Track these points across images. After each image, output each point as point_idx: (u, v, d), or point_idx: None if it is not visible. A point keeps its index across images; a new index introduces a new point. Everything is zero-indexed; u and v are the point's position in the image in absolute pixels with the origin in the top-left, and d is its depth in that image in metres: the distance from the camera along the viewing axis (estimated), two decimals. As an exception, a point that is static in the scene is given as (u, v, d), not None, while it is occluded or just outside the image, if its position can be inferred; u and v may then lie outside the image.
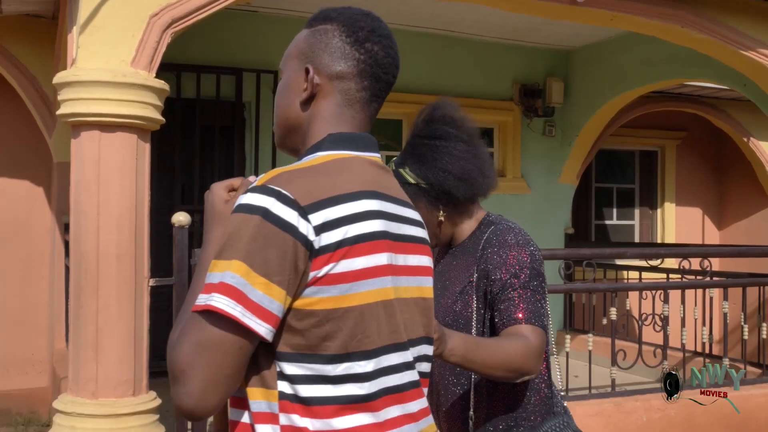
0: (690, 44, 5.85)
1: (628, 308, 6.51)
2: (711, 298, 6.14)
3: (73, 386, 4.12)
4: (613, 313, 5.34)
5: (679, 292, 5.71)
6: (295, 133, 1.47)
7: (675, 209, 10.56)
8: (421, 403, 1.42)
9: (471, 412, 2.08)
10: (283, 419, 1.26)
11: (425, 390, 1.47)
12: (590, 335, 5.49)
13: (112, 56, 4.04)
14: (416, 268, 1.45)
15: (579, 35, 8.22)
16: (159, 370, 6.09)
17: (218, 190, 1.45)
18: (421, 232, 1.50)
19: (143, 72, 4.09)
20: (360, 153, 1.41)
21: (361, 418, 1.29)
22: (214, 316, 1.22)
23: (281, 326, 1.26)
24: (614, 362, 5.32)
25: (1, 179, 6.96)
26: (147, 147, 4.21)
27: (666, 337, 5.57)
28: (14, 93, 6.54)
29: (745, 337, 5.95)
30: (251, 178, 1.42)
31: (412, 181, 2.12)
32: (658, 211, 10.60)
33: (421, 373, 1.44)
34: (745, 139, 9.92)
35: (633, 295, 7.02)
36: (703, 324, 6.08)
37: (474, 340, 1.92)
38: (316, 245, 1.25)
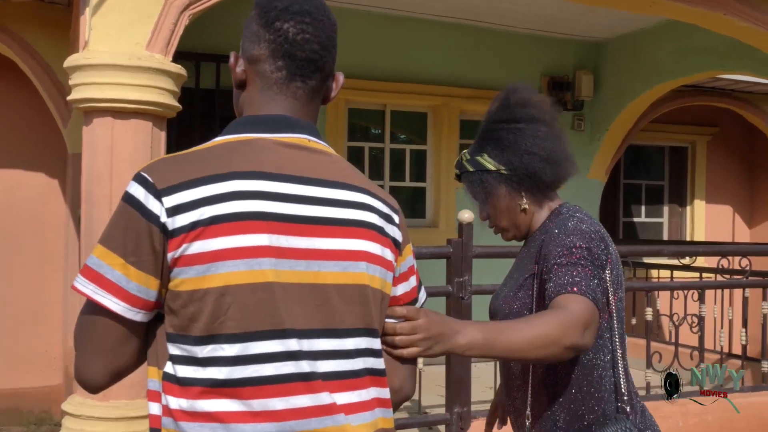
0: (731, 33, 5.57)
1: (657, 308, 6.22)
2: (746, 299, 5.88)
3: (84, 386, 3.92)
4: (649, 313, 5.10)
5: (713, 291, 5.45)
6: None
7: (705, 207, 10.26)
8: (321, 399, 1.33)
9: (528, 411, 2.00)
10: (163, 399, 1.30)
11: (368, 389, 1.39)
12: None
13: (126, 39, 3.84)
14: (336, 252, 1.37)
15: (610, 26, 7.96)
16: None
17: None
18: (355, 215, 1.41)
19: (159, 56, 3.88)
20: (264, 134, 1.39)
21: (226, 404, 1.27)
22: (81, 296, 1.32)
23: (168, 307, 1.31)
24: (649, 364, 5.07)
25: (15, 171, 6.78)
26: (162, 135, 4.01)
27: (702, 339, 5.32)
28: (28, 82, 6.35)
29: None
30: None
31: (491, 167, 2.04)
32: (688, 208, 10.30)
33: (361, 370, 1.39)
34: (780, 135, 9.62)
35: (663, 295, 6.75)
36: (743, 326, 5.80)
37: (496, 326, 1.74)
38: (170, 227, 1.27)
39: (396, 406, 1.52)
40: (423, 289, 1.59)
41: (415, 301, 1.55)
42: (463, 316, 4.17)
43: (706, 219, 10.28)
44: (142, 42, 3.86)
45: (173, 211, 1.27)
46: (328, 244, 1.36)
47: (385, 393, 1.44)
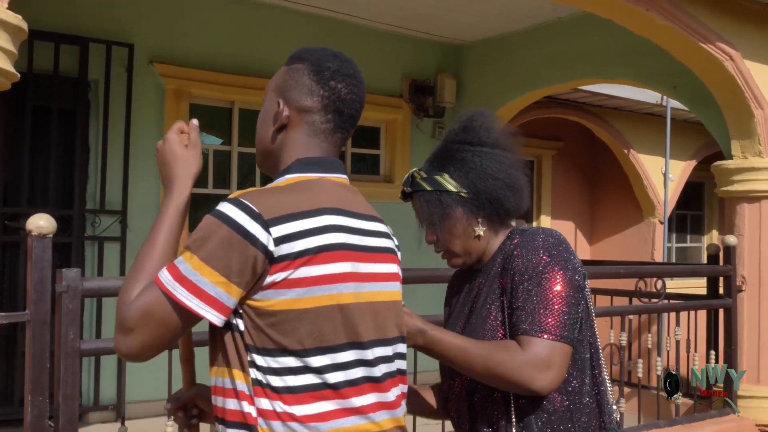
0: (647, 31, 5.10)
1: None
2: (630, 321, 5.50)
3: None
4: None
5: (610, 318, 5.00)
6: (269, 158, 1.71)
7: (551, 223, 10.03)
8: (385, 397, 1.59)
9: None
10: (257, 402, 1.48)
11: (401, 386, 1.67)
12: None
13: (-63, -29, 2.65)
14: (384, 275, 1.65)
15: (476, 27, 7.41)
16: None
17: (174, 136, 1.67)
18: (387, 243, 1.69)
19: (-12, -1, 2.72)
20: (325, 174, 1.63)
21: (319, 406, 1.48)
22: (171, 299, 1.45)
23: (251, 322, 1.47)
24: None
25: None
26: (-9, 114, 2.83)
27: (622, 371, 4.81)
28: None
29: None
30: (194, 121, 1.69)
31: (452, 189, 1.99)
32: (534, 224, 10.00)
33: (399, 371, 1.67)
34: (626, 151, 9.56)
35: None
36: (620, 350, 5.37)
37: (456, 339, 1.88)
38: (276, 254, 1.45)
39: None
40: None
41: None
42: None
43: (552, 235, 10.05)
44: (-39, -23, 2.68)
45: (280, 241, 1.45)
46: (380, 268, 1.63)
47: (405, 389, 1.71)
